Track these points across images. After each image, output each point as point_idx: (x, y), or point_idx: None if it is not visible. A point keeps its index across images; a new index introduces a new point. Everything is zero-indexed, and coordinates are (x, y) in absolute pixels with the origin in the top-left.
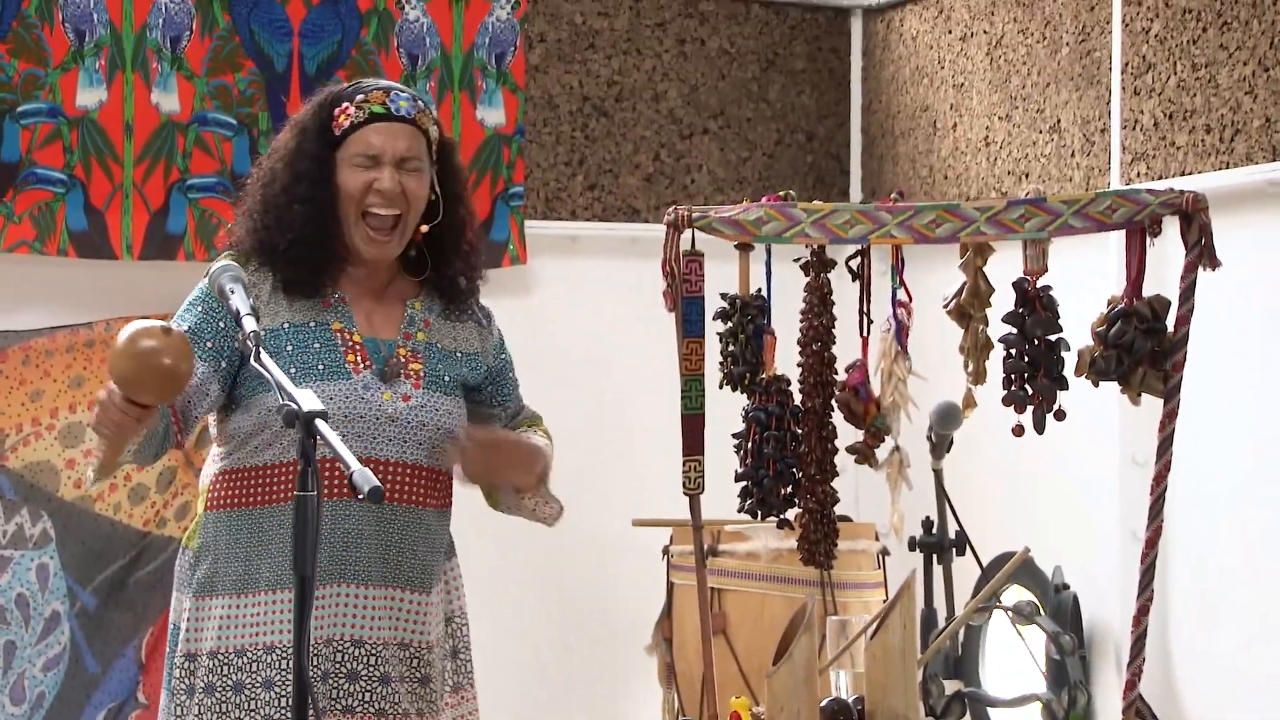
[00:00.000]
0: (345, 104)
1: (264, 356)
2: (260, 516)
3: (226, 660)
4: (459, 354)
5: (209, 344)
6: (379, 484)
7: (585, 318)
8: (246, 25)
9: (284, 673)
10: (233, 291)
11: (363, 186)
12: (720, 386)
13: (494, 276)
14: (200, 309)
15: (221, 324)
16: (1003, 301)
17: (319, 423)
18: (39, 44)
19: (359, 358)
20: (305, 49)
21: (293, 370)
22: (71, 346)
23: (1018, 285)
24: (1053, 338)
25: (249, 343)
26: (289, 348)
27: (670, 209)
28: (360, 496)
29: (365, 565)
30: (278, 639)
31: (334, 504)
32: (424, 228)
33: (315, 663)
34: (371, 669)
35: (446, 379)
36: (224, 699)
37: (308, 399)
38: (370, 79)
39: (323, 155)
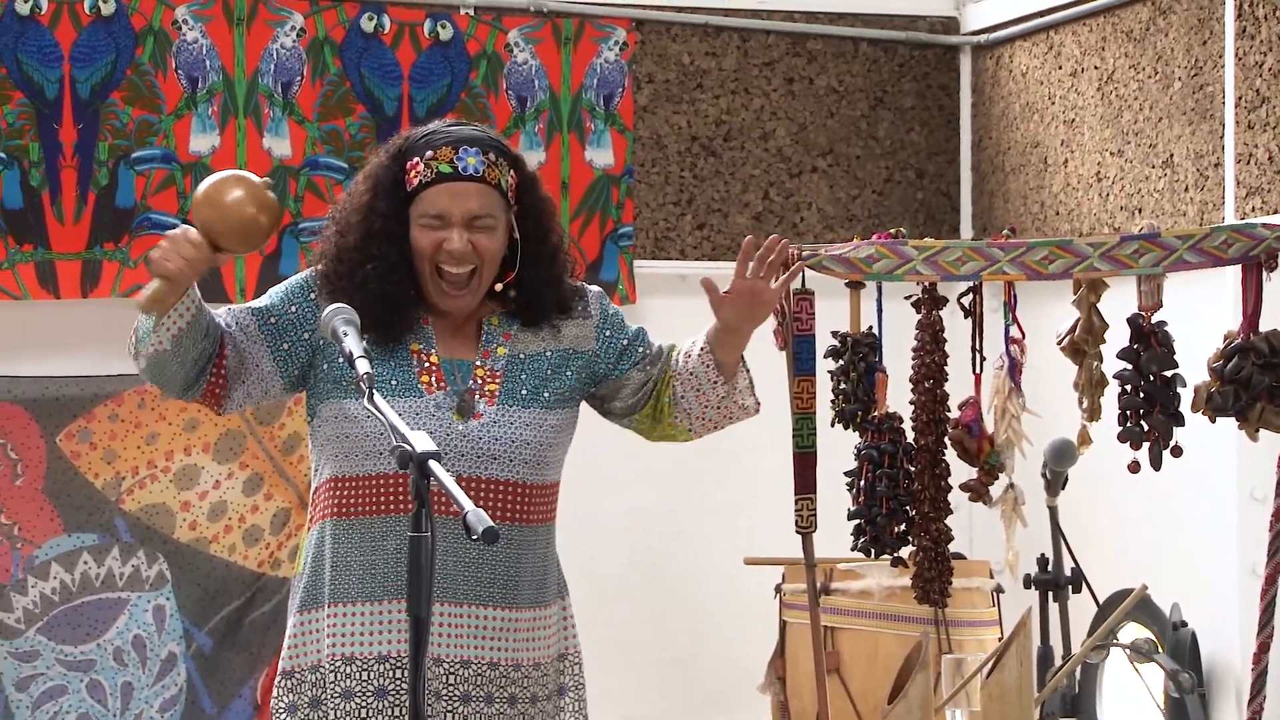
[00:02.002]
0: (415, 159)
1: (377, 398)
2: (370, 526)
3: (334, 668)
4: (548, 353)
5: (285, 346)
6: (493, 524)
7: None
8: (357, 70)
9: (364, 684)
10: (346, 334)
11: (432, 246)
12: (832, 424)
13: None
14: (281, 306)
15: (306, 333)
16: (1117, 338)
17: (432, 463)
18: (153, 91)
19: (434, 379)
20: (415, 93)
21: None
22: None
23: (1132, 321)
24: (1168, 373)
25: (362, 384)
26: None
27: None
28: (474, 538)
29: (442, 582)
30: (357, 650)
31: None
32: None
33: (396, 677)
34: (451, 687)
35: (525, 391)
36: (334, 707)
37: (421, 440)
38: (444, 127)
39: (396, 212)
